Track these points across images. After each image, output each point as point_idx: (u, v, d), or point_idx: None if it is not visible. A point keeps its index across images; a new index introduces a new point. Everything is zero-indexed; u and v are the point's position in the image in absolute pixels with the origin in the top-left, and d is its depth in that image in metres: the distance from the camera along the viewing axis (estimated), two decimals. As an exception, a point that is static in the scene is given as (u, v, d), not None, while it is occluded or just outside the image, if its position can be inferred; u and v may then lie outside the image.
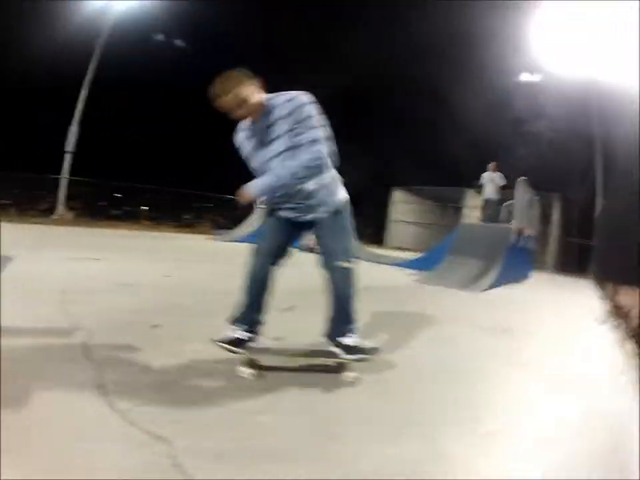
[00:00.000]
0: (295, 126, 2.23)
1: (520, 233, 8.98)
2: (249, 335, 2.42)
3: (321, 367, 2.47)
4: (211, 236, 13.97)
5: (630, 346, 4.16)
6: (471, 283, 7.16)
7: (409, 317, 4.51)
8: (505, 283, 7.89)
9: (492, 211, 10.36)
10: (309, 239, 11.84)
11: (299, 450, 1.61)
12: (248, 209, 15.43)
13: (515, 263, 8.72)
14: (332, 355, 2.44)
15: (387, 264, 10.08)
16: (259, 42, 23.18)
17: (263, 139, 2.33)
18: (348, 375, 2.39)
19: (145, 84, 19.76)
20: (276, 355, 2.52)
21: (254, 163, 2.44)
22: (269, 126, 2.29)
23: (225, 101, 2.19)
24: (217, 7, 19.50)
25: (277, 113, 2.26)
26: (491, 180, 10.21)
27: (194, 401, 1.91)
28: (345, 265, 2.41)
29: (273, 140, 2.30)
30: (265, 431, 1.71)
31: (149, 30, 18.46)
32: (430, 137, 21.65)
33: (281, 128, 2.27)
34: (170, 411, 1.78)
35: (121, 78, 18.00)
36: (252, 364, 2.33)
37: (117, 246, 8.82)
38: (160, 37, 20.28)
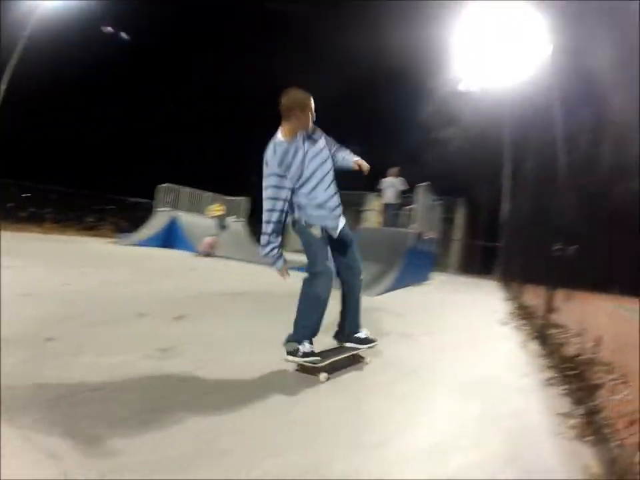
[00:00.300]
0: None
1: (420, 236, 9.12)
2: (312, 346, 2.74)
3: (348, 361, 2.98)
4: (114, 239, 14.01)
5: (533, 346, 4.08)
6: (367, 287, 7.08)
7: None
8: (404, 286, 8.01)
9: (392, 216, 10.49)
10: (206, 243, 11.01)
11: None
12: (149, 211, 14.92)
13: (415, 265, 8.88)
14: (351, 349, 3.02)
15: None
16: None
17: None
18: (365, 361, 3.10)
19: (57, 83, 18.86)
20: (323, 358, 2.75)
21: (304, 172, 2.74)
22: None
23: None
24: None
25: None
26: (392, 185, 10.32)
27: (86, 415, 1.87)
28: (362, 277, 3.04)
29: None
30: (156, 446, 1.70)
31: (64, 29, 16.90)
32: (337, 140, 22.12)
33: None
34: (63, 426, 1.75)
35: (35, 78, 16.95)
36: (324, 369, 2.69)
37: (21, 251, 8.37)
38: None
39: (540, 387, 2.95)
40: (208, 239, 11.85)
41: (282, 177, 2.66)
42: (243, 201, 16.52)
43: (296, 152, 2.70)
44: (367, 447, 1.86)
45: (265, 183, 2.68)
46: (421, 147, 21.11)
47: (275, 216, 2.67)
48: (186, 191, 15.48)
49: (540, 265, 5.88)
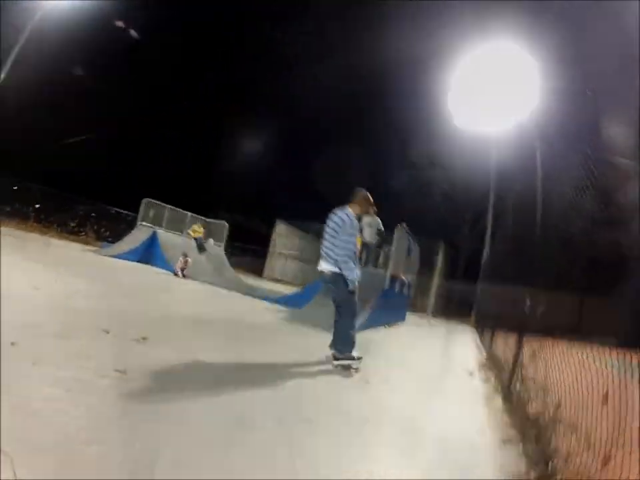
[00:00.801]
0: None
1: (396, 277, 8.94)
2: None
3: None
4: (94, 247, 13.94)
5: (497, 402, 3.72)
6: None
7: (261, 354, 4.32)
8: (376, 326, 7.82)
9: (368, 255, 10.30)
10: (181, 262, 10.73)
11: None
12: (132, 223, 14.77)
13: (389, 307, 8.66)
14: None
15: (259, 298, 9.75)
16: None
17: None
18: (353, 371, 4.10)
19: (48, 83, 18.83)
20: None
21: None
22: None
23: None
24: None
25: None
26: (369, 224, 10.16)
27: (41, 425, 1.81)
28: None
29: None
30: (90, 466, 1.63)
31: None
32: (321, 176, 22.58)
33: None
34: (17, 438, 1.66)
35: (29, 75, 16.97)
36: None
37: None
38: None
39: (497, 445, 2.69)
40: (182, 259, 11.54)
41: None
42: (222, 225, 16.32)
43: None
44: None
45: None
46: (403, 187, 21.54)
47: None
48: (168, 208, 15.33)
49: (511, 314, 5.75)
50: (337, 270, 4.19)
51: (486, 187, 19.62)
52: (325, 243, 4.33)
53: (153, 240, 13.51)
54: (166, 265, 12.31)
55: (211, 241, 15.33)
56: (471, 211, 21.86)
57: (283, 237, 22.22)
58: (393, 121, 22.05)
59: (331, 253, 4.23)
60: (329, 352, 4.26)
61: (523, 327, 4.46)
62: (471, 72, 18.32)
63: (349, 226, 4.19)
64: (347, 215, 4.25)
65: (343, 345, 4.17)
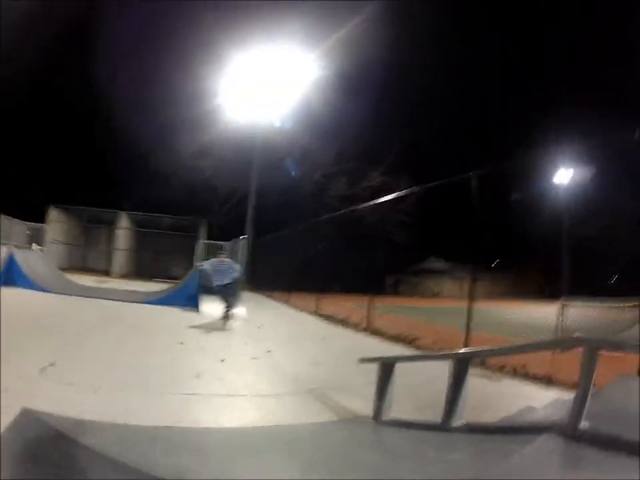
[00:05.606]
0: None
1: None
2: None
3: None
4: None
5: None
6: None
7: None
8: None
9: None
10: None
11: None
12: None
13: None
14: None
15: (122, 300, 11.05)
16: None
17: None
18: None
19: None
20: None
21: None
22: None
23: None
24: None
25: None
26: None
27: None
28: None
29: None
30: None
31: None
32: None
33: None
34: None
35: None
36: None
37: None
38: None
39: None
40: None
41: None
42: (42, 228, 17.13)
43: None
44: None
45: None
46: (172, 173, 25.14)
47: None
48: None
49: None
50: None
51: (247, 172, 24.19)
52: None
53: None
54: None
55: (35, 245, 15.58)
56: (224, 193, 26.68)
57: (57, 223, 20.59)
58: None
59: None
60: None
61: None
62: (243, 69, 21.32)
63: None
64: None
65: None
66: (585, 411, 1.74)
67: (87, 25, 22.76)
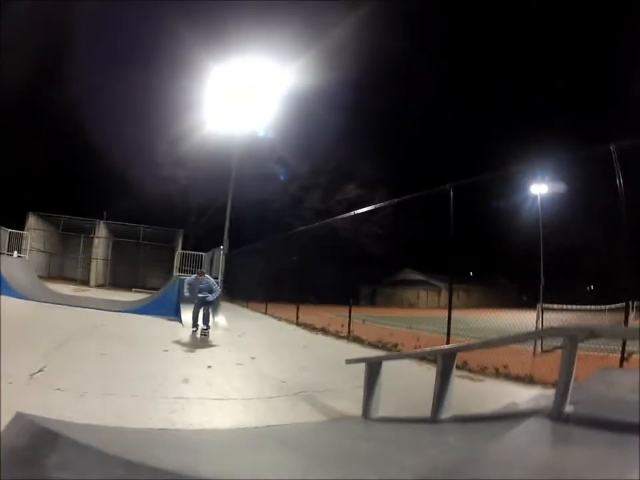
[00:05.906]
0: None
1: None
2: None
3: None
4: None
5: None
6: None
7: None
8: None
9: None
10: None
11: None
12: None
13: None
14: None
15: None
16: None
17: None
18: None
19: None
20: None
21: None
22: None
23: None
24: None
25: None
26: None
27: None
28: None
29: None
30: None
31: None
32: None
33: None
34: None
35: None
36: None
37: None
38: None
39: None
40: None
41: None
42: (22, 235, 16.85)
43: None
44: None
45: None
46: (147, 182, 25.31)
47: None
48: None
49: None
50: None
51: (224, 183, 24.49)
52: None
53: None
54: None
55: (15, 253, 15.63)
56: (200, 204, 27.12)
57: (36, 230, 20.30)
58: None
59: None
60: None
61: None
62: (221, 81, 22.00)
63: None
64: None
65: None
66: (569, 397, 1.81)
67: (65, 39, 22.61)
